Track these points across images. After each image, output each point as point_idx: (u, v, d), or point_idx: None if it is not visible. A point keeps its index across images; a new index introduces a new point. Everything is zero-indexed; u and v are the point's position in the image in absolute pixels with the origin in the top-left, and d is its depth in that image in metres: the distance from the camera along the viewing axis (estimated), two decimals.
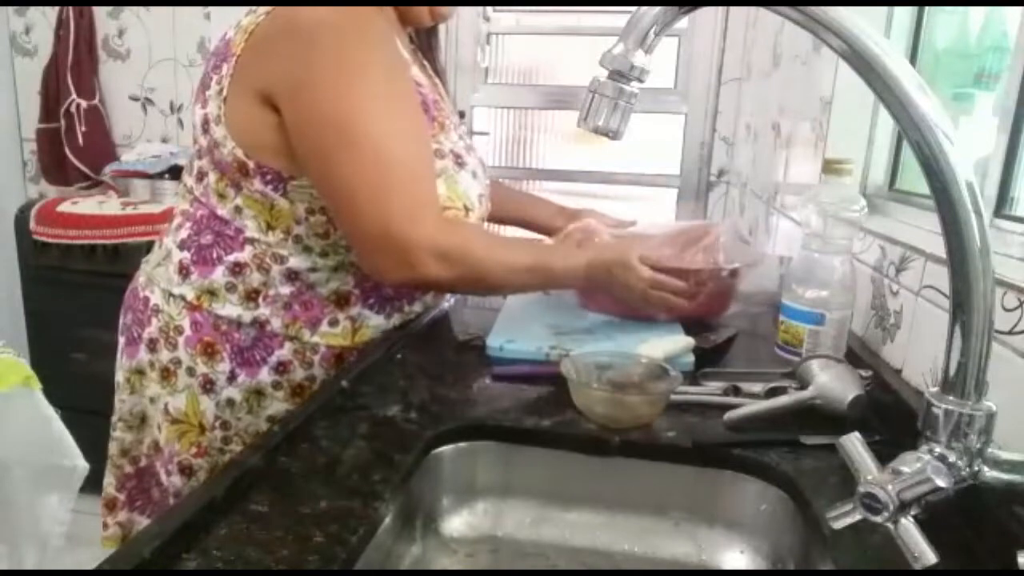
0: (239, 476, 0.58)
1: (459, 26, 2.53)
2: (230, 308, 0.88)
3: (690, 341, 0.90)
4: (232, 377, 0.89)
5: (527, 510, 0.73)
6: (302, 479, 0.61)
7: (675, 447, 0.70)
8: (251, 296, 0.88)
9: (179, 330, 0.89)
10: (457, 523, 0.72)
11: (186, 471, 0.91)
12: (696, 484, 0.70)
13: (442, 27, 1.03)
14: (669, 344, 0.87)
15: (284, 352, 0.90)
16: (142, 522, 0.98)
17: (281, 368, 0.91)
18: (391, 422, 0.72)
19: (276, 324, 0.89)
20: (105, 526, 0.99)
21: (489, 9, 2.55)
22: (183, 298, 0.89)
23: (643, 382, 0.77)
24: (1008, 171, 0.80)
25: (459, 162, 0.90)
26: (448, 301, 1.13)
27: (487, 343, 0.91)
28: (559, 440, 0.72)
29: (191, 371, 0.89)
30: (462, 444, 0.72)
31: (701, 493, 0.70)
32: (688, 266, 0.97)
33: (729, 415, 0.72)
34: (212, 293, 0.88)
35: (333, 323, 0.92)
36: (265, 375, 0.90)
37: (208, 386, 0.89)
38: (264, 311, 0.89)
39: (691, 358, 0.88)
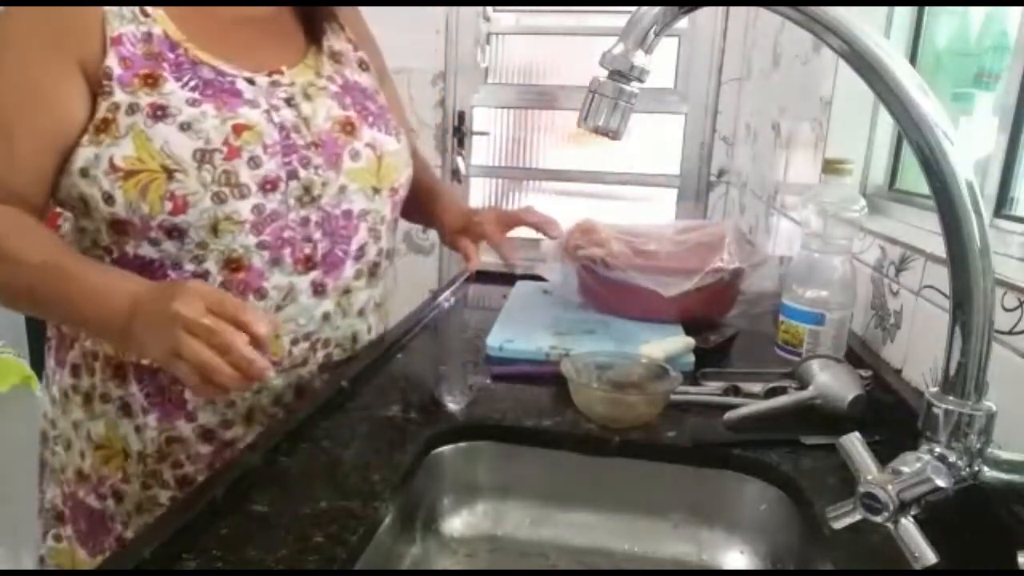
0: (239, 476, 0.58)
1: (459, 26, 2.53)
2: None
3: (690, 341, 0.90)
4: (147, 399, 0.79)
5: (527, 510, 0.73)
6: (302, 479, 0.61)
7: (675, 447, 0.70)
8: None
9: (95, 355, 0.80)
10: (457, 523, 0.72)
11: (117, 495, 0.82)
12: (696, 484, 0.70)
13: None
14: (669, 344, 0.87)
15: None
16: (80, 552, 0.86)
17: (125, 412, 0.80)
18: (391, 422, 0.72)
19: None
20: (58, 538, 0.87)
21: (489, 9, 2.55)
22: None
23: (643, 382, 0.77)
24: (1008, 171, 0.80)
25: (157, 115, 0.71)
26: (448, 301, 1.13)
27: (487, 343, 0.91)
28: (559, 440, 0.72)
29: (105, 397, 0.80)
30: (462, 444, 0.72)
31: (701, 493, 0.70)
32: (692, 266, 0.97)
33: (729, 415, 0.72)
34: None
35: None
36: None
37: (126, 410, 0.80)
38: None
39: (691, 358, 0.88)
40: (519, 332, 0.94)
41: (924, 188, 0.96)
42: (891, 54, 0.44)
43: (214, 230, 0.74)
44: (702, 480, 0.70)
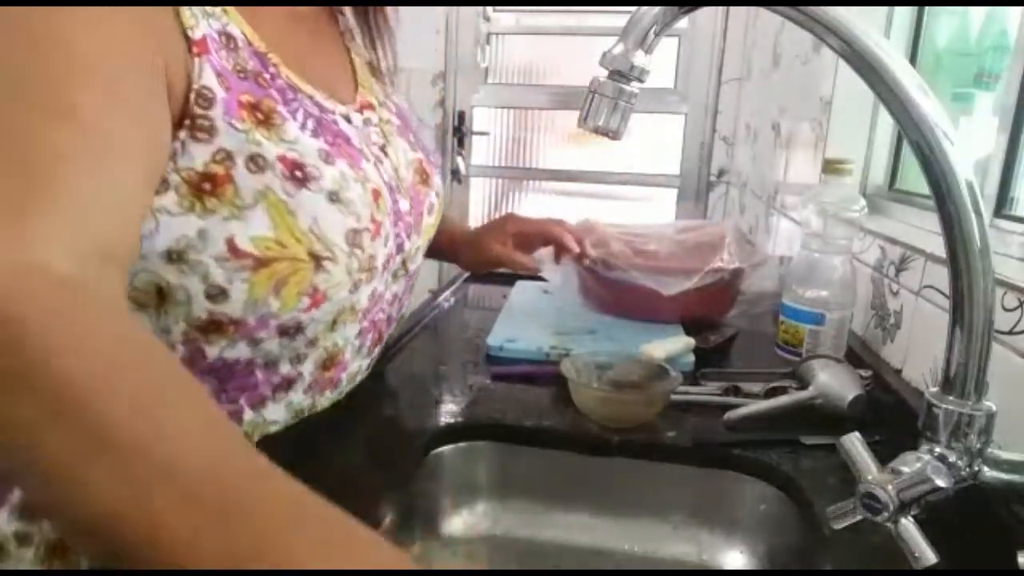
0: None
1: (459, 26, 2.53)
2: None
3: (690, 341, 0.90)
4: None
5: (527, 510, 0.73)
6: (301, 479, 0.60)
7: (675, 447, 0.70)
8: None
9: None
10: (457, 523, 0.72)
11: None
12: (696, 484, 0.70)
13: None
14: (669, 344, 0.87)
15: None
16: None
17: None
18: (390, 422, 0.72)
19: None
20: None
21: (489, 9, 2.55)
22: None
23: (643, 382, 0.77)
24: (1008, 171, 0.80)
25: (296, 177, 0.52)
26: (448, 301, 1.13)
27: (487, 343, 0.91)
28: (559, 440, 0.72)
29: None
30: (462, 444, 0.72)
31: (701, 493, 0.70)
32: (692, 266, 0.97)
33: (729, 415, 0.72)
34: None
35: None
36: None
37: None
38: None
39: (691, 358, 0.88)
40: (519, 332, 0.94)
41: (924, 188, 0.96)
42: (891, 54, 0.44)
43: (333, 324, 0.59)
44: (702, 480, 0.70)
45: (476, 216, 2.71)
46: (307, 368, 0.60)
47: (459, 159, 2.63)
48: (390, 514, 0.61)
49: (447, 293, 1.17)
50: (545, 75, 2.64)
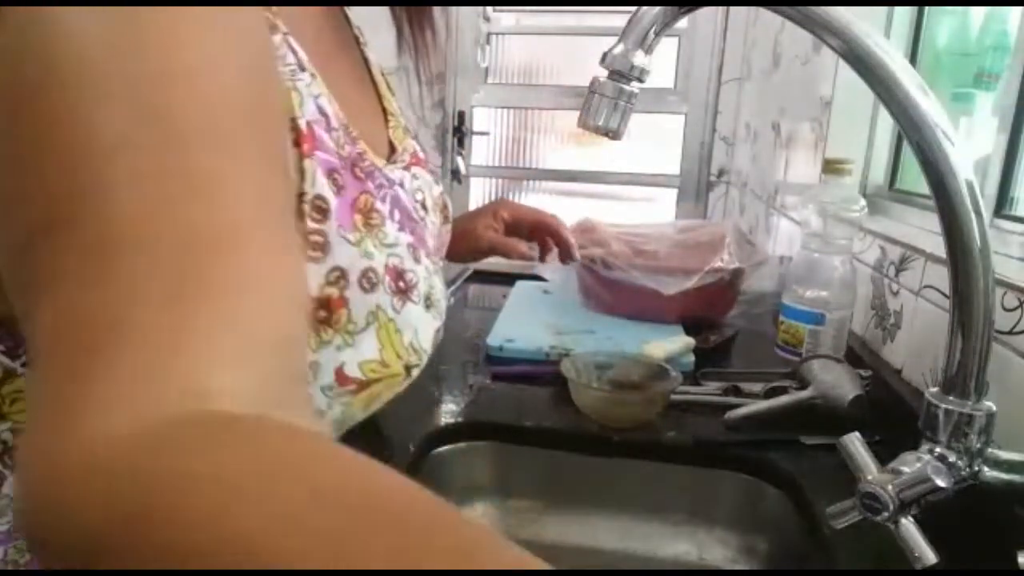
0: None
1: (459, 26, 2.53)
2: None
3: (690, 341, 0.90)
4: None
5: (527, 510, 0.73)
6: None
7: (675, 447, 0.70)
8: None
9: None
10: None
11: None
12: (696, 484, 0.70)
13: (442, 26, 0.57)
14: (669, 344, 0.87)
15: None
16: None
17: None
18: (390, 422, 0.72)
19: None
20: None
21: (489, 9, 2.55)
22: None
23: (643, 382, 0.77)
24: (1008, 171, 0.80)
25: (401, 288, 0.46)
26: (448, 301, 1.13)
27: (487, 343, 0.91)
28: (559, 440, 0.72)
29: None
30: (462, 444, 0.72)
31: (701, 493, 0.70)
32: (692, 266, 0.97)
33: (729, 415, 0.72)
34: None
35: None
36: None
37: None
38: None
39: (691, 358, 0.88)
40: (519, 332, 0.94)
41: (924, 188, 0.96)
42: (891, 54, 0.44)
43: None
44: (702, 480, 0.70)
45: None
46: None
47: (459, 159, 2.63)
48: None
49: (447, 293, 1.17)
50: (545, 75, 2.64)
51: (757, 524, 0.68)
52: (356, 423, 0.48)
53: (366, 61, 0.58)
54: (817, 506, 0.58)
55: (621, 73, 0.52)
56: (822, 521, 0.52)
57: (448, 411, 0.74)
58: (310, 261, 0.40)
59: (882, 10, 1.12)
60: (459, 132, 2.62)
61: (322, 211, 0.40)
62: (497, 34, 2.61)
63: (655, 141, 2.54)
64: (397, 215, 0.47)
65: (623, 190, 2.63)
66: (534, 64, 2.65)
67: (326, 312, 0.41)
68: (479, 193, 2.74)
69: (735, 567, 0.68)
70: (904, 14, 1.12)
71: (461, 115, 2.61)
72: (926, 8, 1.10)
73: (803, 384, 0.75)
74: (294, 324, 0.28)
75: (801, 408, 0.73)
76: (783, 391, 0.76)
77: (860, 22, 0.45)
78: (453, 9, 2.51)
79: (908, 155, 1.13)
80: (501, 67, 2.64)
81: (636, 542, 0.71)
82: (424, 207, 0.54)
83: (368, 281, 0.43)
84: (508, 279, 1.21)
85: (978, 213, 0.44)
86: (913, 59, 1.12)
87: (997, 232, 0.77)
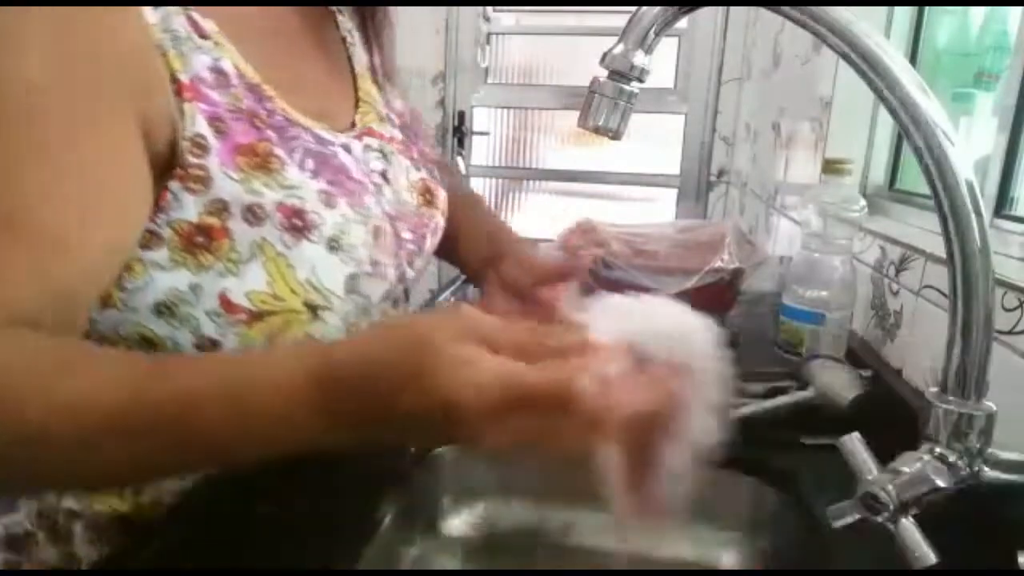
0: (238, 478, 0.58)
1: (459, 26, 2.53)
2: None
3: None
4: None
5: (527, 510, 0.73)
6: (302, 479, 0.60)
7: None
8: None
9: None
10: (457, 523, 0.72)
11: None
12: (696, 484, 0.70)
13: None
14: None
15: (19, 518, 0.56)
16: None
17: (15, 545, 0.56)
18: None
19: None
20: None
21: (489, 9, 2.55)
22: None
23: None
24: (1008, 171, 0.80)
25: (296, 226, 0.49)
26: (448, 301, 1.13)
27: None
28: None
29: None
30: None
31: (701, 493, 0.70)
32: (692, 266, 0.97)
33: (729, 415, 0.72)
34: None
35: None
36: None
37: None
38: None
39: None
40: None
41: (924, 188, 0.96)
42: (891, 54, 0.44)
43: None
44: (702, 480, 0.69)
45: None
46: None
47: (459, 159, 2.63)
48: (390, 514, 0.61)
49: (447, 293, 1.17)
50: (545, 75, 2.64)
51: (757, 524, 0.68)
52: None
53: (351, 58, 0.65)
54: (817, 506, 0.58)
55: (621, 73, 0.52)
56: (822, 521, 0.52)
57: None
58: (190, 193, 0.46)
59: (882, 10, 1.12)
60: (459, 132, 2.62)
61: (201, 147, 0.46)
62: (497, 34, 2.61)
63: (655, 141, 2.54)
64: (310, 164, 0.52)
65: (623, 190, 2.63)
66: (534, 64, 2.65)
67: (205, 238, 0.46)
68: (479, 193, 2.75)
69: (735, 567, 0.68)
70: (904, 14, 1.12)
71: (461, 115, 2.61)
72: (926, 8, 1.10)
73: (803, 384, 0.75)
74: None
75: (801, 408, 0.73)
76: (783, 391, 0.76)
77: (860, 22, 0.44)
78: (453, 9, 2.51)
79: (908, 155, 1.13)
80: (501, 67, 2.65)
81: (636, 542, 0.71)
82: (385, 177, 0.60)
83: (253, 215, 0.47)
84: None
85: (978, 213, 0.44)
86: (913, 59, 1.12)
87: (997, 232, 0.77)
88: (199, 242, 0.46)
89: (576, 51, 2.57)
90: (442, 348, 0.33)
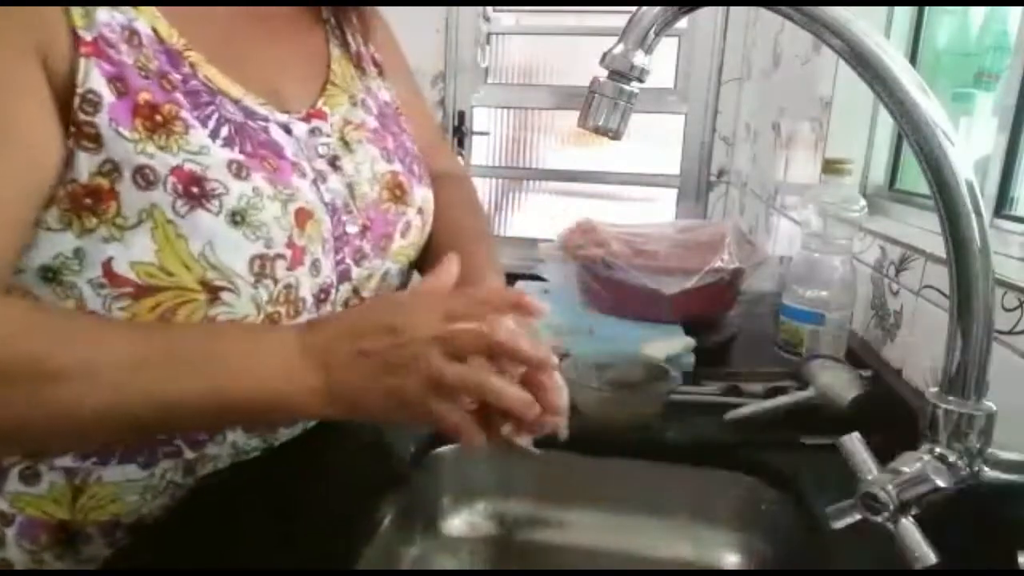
0: (237, 478, 0.58)
1: (459, 26, 2.53)
2: None
3: (690, 341, 0.90)
4: None
5: (527, 510, 0.73)
6: (302, 479, 0.61)
7: (675, 447, 0.70)
8: None
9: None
10: (457, 523, 0.72)
11: None
12: (696, 484, 0.70)
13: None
14: (669, 344, 0.87)
15: None
16: None
17: None
18: (390, 422, 0.72)
19: None
20: None
21: (489, 9, 2.55)
22: None
23: (643, 382, 0.77)
24: (1008, 171, 0.80)
25: (192, 193, 0.46)
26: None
27: None
28: (559, 440, 0.72)
29: None
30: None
31: (701, 493, 0.70)
32: (692, 266, 0.97)
33: (729, 415, 0.72)
34: None
35: (31, 478, 0.53)
36: None
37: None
38: None
39: (691, 358, 0.88)
40: None
41: (924, 188, 0.96)
42: (891, 54, 0.44)
43: None
44: (702, 480, 0.69)
45: None
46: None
47: (459, 159, 2.63)
48: (390, 514, 0.61)
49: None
50: (545, 75, 2.64)
51: (757, 524, 0.68)
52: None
53: (329, 41, 0.65)
54: (817, 506, 0.58)
55: (621, 73, 0.52)
56: (822, 521, 0.52)
57: None
58: (83, 151, 0.45)
59: (882, 10, 1.12)
60: (459, 132, 2.62)
61: (94, 104, 0.44)
62: (497, 34, 2.60)
63: (655, 141, 2.54)
64: (225, 132, 0.50)
65: (623, 190, 2.63)
66: (534, 64, 2.65)
67: (93, 200, 0.45)
68: (479, 193, 2.74)
69: (735, 567, 0.68)
70: (904, 14, 1.12)
71: (461, 115, 2.61)
72: (926, 8, 1.10)
73: (803, 384, 0.75)
74: None
75: (801, 408, 0.73)
76: (783, 391, 0.76)
77: (860, 22, 0.44)
78: (453, 9, 2.51)
79: (908, 155, 1.13)
80: (501, 67, 2.64)
81: (636, 542, 0.71)
82: (335, 164, 0.57)
83: (144, 178, 0.45)
84: (508, 280, 1.21)
85: (978, 213, 0.44)
86: (913, 59, 1.12)
87: (997, 232, 0.77)
88: (87, 204, 0.45)
89: (576, 51, 2.57)
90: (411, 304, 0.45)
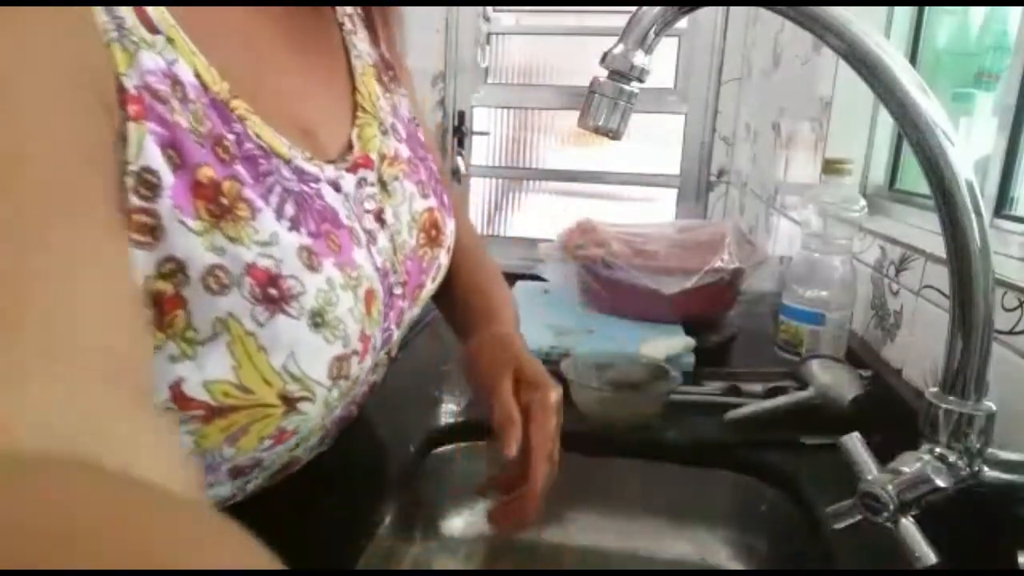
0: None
1: (459, 26, 2.53)
2: None
3: (690, 341, 0.90)
4: None
5: None
6: (302, 479, 0.61)
7: (675, 447, 0.70)
8: None
9: None
10: (457, 523, 0.72)
11: None
12: (696, 484, 0.70)
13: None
14: (669, 344, 0.87)
15: None
16: None
17: None
18: (391, 422, 0.72)
19: None
20: None
21: (489, 9, 2.55)
22: None
23: (643, 382, 0.77)
24: (1008, 171, 0.80)
25: (271, 295, 0.38)
26: None
27: None
28: (559, 440, 0.72)
29: None
30: (462, 444, 0.72)
31: (701, 493, 0.70)
32: (692, 265, 0.97)
33: (729, 415, 0.72)
34: None
35: None
36: None
37: None
38: None
39: (691, 358, 0.88)
40: None
41: (924, 188, 0.96)
42: (891, 54, 0.44)
43: (296, 445, 0.48)
44: (703, 480, 0.70)
45: (475, 216, 2.71)
46: (257, 481, 0.50)
47: (459, 159, 2.63)
48: (390, 514, 0.61)
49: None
50: (545, 75, 2.64)
51: (757, 524, 0.68)
52: (224, 460, 0.42)
53: (348, 51, 0.55)
54: (817, 506, 0.58)
55: (621, 73, 0.52)
56: (822, 521, 0.52)
57: (448, 411, 0.74)
58: (137, 247, 0.33)
59: (882, 10, 1.12)
60: (459, 132, 2.62)
61: (152, 187, 0.34)
62: (497, 34, 2.60)
63: (655, 141, 2.54)
64: (290, 211, 0.40)
65: (623, 190, 2.63)
66: (534, 64, 2.65)
67: (156, 311, 0.35)
68: (479, 193, 2.74)
69: (735, 567, 0.68)
70: (904, 14, 1.12)
71: (461, 115, 2.61)
72: (926, 8, 1.10)
73: (803, 384, 0.75)
74: (116, 331, 0.26)
75: (801, 408, 0.73)
76: (783, 391, 0.76)
77: (860, 22, 0.44)
78: (453, 9, 2.51)
79: (908, 155, 1.13)
80: (501, 67, 2.64)
81: (636, 542, 0.71)
82: (381, 219, 0.49)
83: (217, 281, 0.36)
84: (508, 280, 1.21)
85: (978, 213, 0.44)
86: (913, 59, 1.12)
87: (997, 232, 0.77)
88: (146, 316, 0.34)
89: (576, 51, 2.57)
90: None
